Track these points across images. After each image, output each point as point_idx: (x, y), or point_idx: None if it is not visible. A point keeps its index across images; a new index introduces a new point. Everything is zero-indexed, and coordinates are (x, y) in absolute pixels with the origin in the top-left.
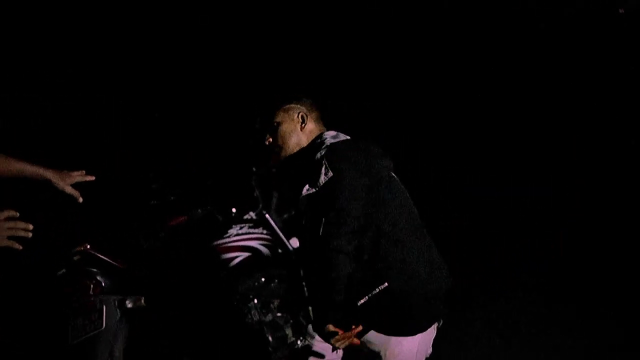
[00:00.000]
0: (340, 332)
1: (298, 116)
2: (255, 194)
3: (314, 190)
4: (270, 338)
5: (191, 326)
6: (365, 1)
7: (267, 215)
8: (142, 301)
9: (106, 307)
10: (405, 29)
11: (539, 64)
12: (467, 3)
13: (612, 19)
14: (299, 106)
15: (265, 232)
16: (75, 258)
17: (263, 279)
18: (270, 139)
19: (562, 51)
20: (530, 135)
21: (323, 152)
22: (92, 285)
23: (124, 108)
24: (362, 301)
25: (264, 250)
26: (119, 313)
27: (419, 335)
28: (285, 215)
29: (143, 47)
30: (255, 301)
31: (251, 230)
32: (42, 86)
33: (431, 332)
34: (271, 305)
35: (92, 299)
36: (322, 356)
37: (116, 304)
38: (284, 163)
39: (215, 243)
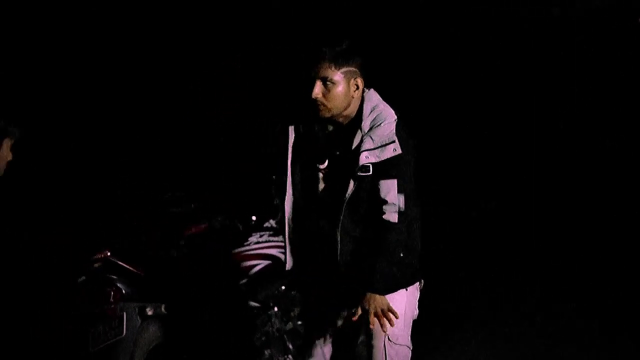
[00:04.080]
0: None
1: (354, 81)
2: (275, 202)
3: (374, 160)
4: (290, 346)
5: (211, 334)
6: None
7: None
8: (163, 308)
9: (126, 314)
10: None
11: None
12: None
13: (631, 28)
14: (357, 71)
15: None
16: (96, 265)
17: (283, 287)
18: (320, 94)
19: (578, 60)
20: (531, 136)
21: (393, 128)
22: (112, 293)
23: (148, 118)
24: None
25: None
26: (139, 320)
27: (404, 295)
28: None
29: (159, 53)
30: (276, 309)
31: (271, 238)
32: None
33: (416, 293)
34: (291, 313)
35: (112, 306)
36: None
37: (137, 311)
38: (331, 124)
39: (236, 251)
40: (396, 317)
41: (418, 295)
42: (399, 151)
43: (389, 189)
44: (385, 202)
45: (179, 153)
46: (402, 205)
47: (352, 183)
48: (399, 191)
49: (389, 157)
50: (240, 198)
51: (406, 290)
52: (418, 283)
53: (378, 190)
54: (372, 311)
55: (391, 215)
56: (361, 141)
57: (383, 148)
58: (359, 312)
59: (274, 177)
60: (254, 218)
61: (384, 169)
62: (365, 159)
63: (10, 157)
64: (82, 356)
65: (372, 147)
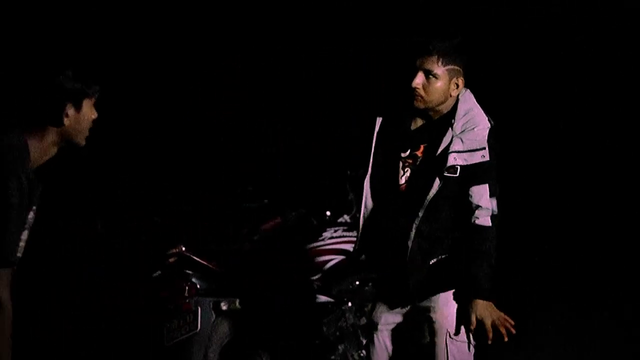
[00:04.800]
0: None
1: (455, 80)
2: (349, 197)
3: (461, 163)
4: (364, 341)
5: (285, 329)
6: None
7: None
8: (237, 303)
9: (201, 309)
10: None
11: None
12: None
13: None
14: (461, 71)
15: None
16: (171, 260)
17: (357, 283)
18: (420, 85)
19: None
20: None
21: (486, 135)
22: (187, 288)
23: (221, 112)
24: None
25: None
26: (214, 315)
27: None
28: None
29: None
30: (350, 304)
31: (345, 234)
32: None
33: None
34: (365, 308)
35: (187, 301)
36: None
37: (211, 306)
38: (421, 116)
39: (310, 246)
40: (511, 324)
41: None
42: (487, 158)
43: (482, 194)
44: (478, 207)
45: (253, 148)
46: (495, 208)
47: (437, 182)
48: (491, 195)
49: (476, 162)
50: (314, 193)
51: None
52: None
53: (469, 195)
54: (489, 320)
55: (485, 220)
56: (451, 141)
57: (472, 153)
58: (474, 320)
59: (348, 172)
60: (328, 213)
61: (473, 173)
62: (453, 160)
63: (95, 115)
64: (157, 350)
65: (462, 150)
